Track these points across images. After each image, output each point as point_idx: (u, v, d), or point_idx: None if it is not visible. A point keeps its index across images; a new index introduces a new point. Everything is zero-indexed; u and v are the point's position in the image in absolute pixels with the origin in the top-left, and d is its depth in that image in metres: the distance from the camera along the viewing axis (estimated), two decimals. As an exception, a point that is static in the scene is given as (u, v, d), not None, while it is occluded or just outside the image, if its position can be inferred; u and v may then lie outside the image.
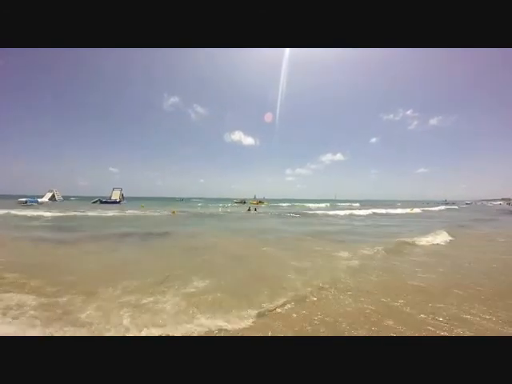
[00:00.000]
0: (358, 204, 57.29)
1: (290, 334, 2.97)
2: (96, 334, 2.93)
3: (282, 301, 3.84)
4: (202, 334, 2.99)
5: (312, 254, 7.01)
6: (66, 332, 2.94)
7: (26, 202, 38.13)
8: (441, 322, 3.24)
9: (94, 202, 46.27)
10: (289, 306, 3.70)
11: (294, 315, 3.42)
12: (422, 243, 8.77)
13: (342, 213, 25.21)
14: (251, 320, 3.27)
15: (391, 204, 62.45)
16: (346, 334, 2.96)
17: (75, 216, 18.81)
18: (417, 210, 31.80)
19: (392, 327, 3.10)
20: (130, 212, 22.97)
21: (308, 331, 3.02)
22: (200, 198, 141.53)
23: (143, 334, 2.96)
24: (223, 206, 42.47)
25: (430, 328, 3.08)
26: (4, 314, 3.30)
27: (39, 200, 43.75)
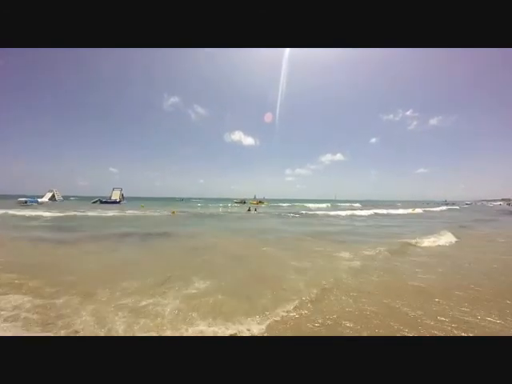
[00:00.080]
0: (358, 204, 56.98)
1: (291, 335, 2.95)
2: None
3: (283, 303, 3.78)
4: (200, 320, 3.06)
5: (313, 255, 6.99)
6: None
7: (25, 201, 38.13)
8: (453, 328, 3.13)
9: (94, 202, 46.29)
10: (291, 308, 3.64)
11: (297, 318, 3.38)
12: (426, 244, 8.73)
13: (343, 213, 25.16)
14: (253, 325, 3.19)
15: (391, 204, 62.32)
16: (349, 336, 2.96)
17: (75, 216, 18.80)
18: (418, 211, 31.69)
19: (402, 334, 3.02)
20: (129, 212, 22.98)
21: (310, 334, 3.00)
22: (200, 198, 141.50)
23: (143, 334, 2.96)
24: (223, 206, 42.47)
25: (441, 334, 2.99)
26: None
27: (39, 200, 43.74)
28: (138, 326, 3.11)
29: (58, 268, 5.46)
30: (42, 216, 17.64)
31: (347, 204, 61.68)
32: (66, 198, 65.51)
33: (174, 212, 22.88)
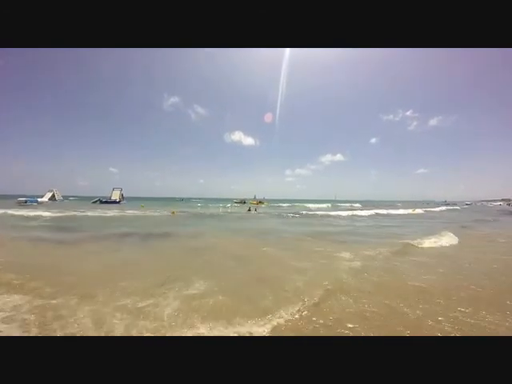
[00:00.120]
0: (359, 205, 56.73)
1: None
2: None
3: (286, 305, 3.71)
4: (200, 323, 3.04)
5: (314, 255, 6.95)
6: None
7: (25, 201, 38.15)
8: (458, 330, 3.08)
9: (94, 202, 46.32)
10: (294, 310, 3.57)
11: (300, 320, 3.31)
12: (428, 244, 8.67)
13: (343, 213, 25.06)
14: (255, 328, 3.13)
15: (392, 205, 62.13)
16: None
17: (75, 216, 18.79)
18: (419, 211, 31.49)
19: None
20: (130, 212, 22.97)
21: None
22: (200, 199, 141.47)
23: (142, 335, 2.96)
24: (223, 206, 42.46)
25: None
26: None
27: (39, 200, 43.75)
28: (135, 328, 3.05)
29: (58, 268, 5.45)
30: (42, 216, 17.63)
31: (347, 204, 61.39)
32: (65, 197, 65.53)
33: (173, 212, 22.89)
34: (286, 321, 3.29)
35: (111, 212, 22.43)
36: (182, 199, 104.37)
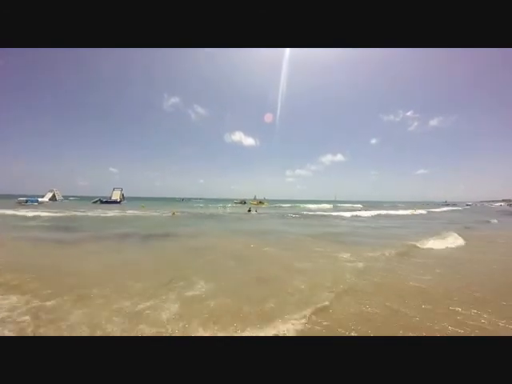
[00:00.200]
0: (360, 205, 56.41)
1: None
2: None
3: (291, 309, 3.59)
4: (200, 329, 3.00)
5: (320, 257, 6.82)
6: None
7: (26, 201, 38.23)
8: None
9: (94, 202, 46.41)
10: (300, 315, 3.41)
11: (306, 325, 3.19)
12: (435, 246, 8.57)
13: (345, 214, 24.93)
14: (256, 333, 3.03)
15: (393, 205, 61.90)
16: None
17: (76, 216, 18.82)
18: (421, 212, 31.20)
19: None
20: (130, 212, 23.00)
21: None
22: (200, 199, 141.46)
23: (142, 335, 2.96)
24: (223, 207, 42.46)
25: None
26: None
27: (39, 200, 43.80)
28: (133, 333, 3.00)
29: (58, 269, 5.44)
30: (42, 216, 17.65)
31: (348, 205, 61.03)
32: (65, 197, 65.59)
33: (174, 213, 22.87)
34: (293, 328, 3.12)
35: (112, 212, 22.45)
36: (182, 199, 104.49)
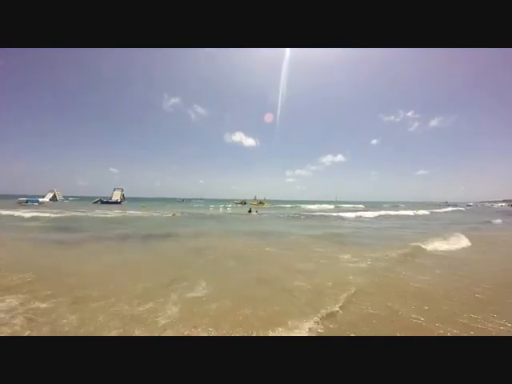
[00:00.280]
0: (362, 206, 55.95)
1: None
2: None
3: (296, 313, 3.47)
4: (201, 335, 2.97)
5: (339, 265, 6.30)
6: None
7: (26, 201, 38.30)
8: None
9: (95, 202, 46.51)
10: (306, 321, 3.27)
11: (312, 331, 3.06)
12: (443, 247, 8.43)
13: (348, 215, 24.64)
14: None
15: (394, 206, 61.53)
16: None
17: (77, 216, 18.80)
18: (424, 212, 30.78)
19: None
20: (131, 213, 22.99)
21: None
22: (200, 199, 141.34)
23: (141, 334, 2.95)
24: (223, 207, 42.45)
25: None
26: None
27: (40, 200, 43.86)
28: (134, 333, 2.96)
29: (56, 270, 5.43)
30: (43, 216, 17.64)
31: (350, 205, 60.51)
32: (65, 198, 65.65)
33: (174, 214, 22.82)
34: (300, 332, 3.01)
35: (113, 213, 22.44)
36: (182, 200, 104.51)
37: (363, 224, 17.44)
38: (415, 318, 3.37)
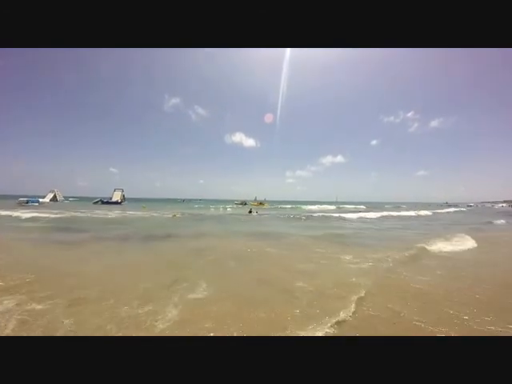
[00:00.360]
0: (363, 206, 55.65)
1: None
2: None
3: (300, 317, 3.39)
4: (201, 335, 2.96)
5: (343, 266, 6.20)
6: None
7: (27, 202, 38.30)
8: None
9: (95, 203, 46.54)
10: (312, 325, 3.15)
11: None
12: (448, 248, 8.36)
13: (349, 215, 24.50)
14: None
15: (395, 206, 61.35)
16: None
17: (78, 217, 18.82)
18: (426, 213, 30.59)
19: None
20: (131, 213, 22.97)
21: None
22: (200, 200, 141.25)
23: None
24: (224, 208, 42.43)
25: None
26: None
27: (40, 200, 43.88)
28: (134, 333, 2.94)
29: (58, 270, 5.43)
30: (44, 217, 17.62)
31: (351, 206, 60.16)
32: (65, 198, 65.69)
33: (175, 215, 22.80)
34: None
35: (113, 213, 22.43)
36: (182, 200, 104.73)
37: (368, 225, 17.27)
38: (418, 321, 3.32)
